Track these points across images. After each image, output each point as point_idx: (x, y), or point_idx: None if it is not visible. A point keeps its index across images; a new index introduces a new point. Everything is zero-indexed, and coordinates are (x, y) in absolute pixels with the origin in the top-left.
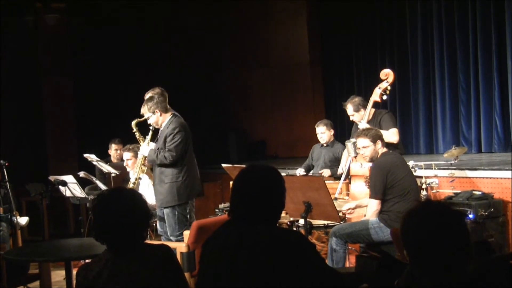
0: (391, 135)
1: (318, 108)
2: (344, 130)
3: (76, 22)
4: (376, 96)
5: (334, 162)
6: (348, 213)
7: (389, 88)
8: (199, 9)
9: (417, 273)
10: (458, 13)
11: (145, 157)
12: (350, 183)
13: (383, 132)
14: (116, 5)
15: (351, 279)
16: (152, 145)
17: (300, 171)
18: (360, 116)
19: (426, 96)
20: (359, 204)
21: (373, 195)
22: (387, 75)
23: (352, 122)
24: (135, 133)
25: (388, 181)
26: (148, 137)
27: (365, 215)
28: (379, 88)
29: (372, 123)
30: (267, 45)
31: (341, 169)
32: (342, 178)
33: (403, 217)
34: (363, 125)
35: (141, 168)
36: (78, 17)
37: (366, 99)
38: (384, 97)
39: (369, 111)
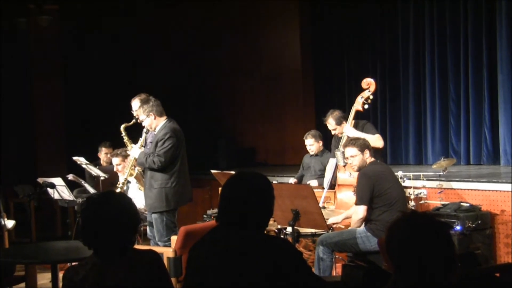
0: (377, 139)
1: (309, 116)
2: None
3: (69, 24)
4: (358, 105)
5: (324, 172)
6: (334, 227)
7: (371, 97)
8: (190, 15)
9: (401, 283)
10: (450, 25)
11: (136, 159)
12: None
13: (369, 138)
14: (108, 8)
15: None
16: (137, 147)
17: (292, 181)
18: (342, 128)
19: (416, 106)
20: (346, 216)
21: (359, 202)
22: (369, 84)
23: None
24: (124, 137)
25: (375, 190)
26: (141, 139)
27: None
28: (361, 97)
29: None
30: (258, 52)
31: (327, 178)
32: (326, 187)
33: (388, 228)
34: (348, 129)
35: (130, 170)
36: (70, 20)
37: None
38: (366, 106)
39: (351, 120)
